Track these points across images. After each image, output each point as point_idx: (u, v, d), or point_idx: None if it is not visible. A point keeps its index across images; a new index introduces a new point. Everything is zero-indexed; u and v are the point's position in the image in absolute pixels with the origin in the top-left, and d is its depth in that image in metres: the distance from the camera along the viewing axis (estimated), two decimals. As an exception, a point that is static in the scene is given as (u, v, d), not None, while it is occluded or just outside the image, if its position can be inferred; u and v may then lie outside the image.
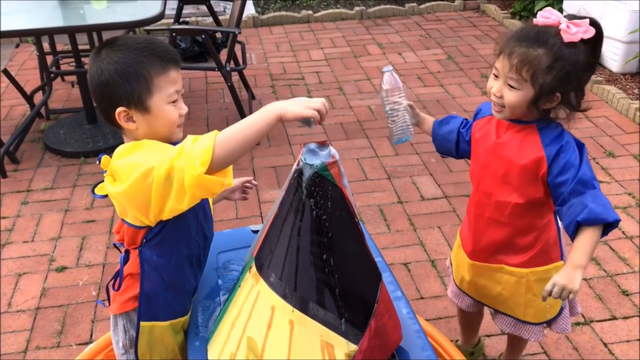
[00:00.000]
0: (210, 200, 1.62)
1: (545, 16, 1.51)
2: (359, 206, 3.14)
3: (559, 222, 1.69)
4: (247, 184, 1.85)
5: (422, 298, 2.55)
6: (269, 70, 4.80)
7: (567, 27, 1.46)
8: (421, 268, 2.72)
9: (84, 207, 3.18)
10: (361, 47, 5.20)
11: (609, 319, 2.43)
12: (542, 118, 1.57)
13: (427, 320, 2.35)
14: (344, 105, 4.21)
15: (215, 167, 1.25)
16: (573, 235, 1.50)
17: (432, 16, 5.92)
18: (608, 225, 1.48)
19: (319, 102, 1.31)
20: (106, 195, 1.42)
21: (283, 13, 5.89)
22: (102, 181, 1.42)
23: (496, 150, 1.63)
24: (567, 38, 1.46)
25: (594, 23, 1.49)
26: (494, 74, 1.58)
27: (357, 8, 5.95)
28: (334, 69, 4.79)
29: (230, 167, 1.31)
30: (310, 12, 5.91)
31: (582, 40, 1.46)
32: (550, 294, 1.46)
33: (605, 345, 2.31)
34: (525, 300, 1.74)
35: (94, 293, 2.62)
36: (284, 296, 1.29)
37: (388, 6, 6.00)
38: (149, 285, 1.48)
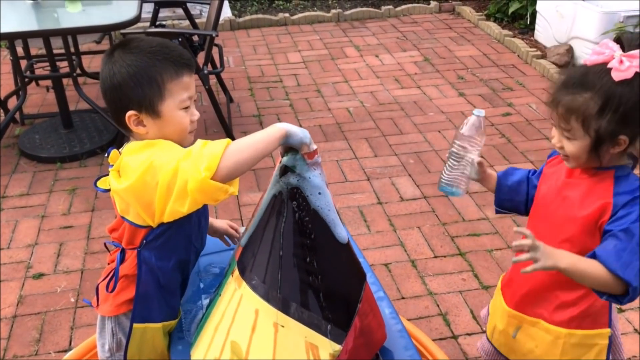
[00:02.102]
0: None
1: (599, 52, 1.35)
2: (339, 208, 3.15)
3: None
4: (232, 231, 1.78)
5: (403, 298, 2.57)
6: (247, 73, 4.79)
7: (620, 62, 1.30)
8: (401, 268, 2.73)
9: (60, 213, 3.14)
10: (338, 50, 5.22)
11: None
12: (623, 164, 1.40)
13: (408, 320, 2.37)
14: (322, 108, 4.22)
15: (222, 176, 1.23)
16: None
17: (408, 18, 5.96)
18: (623, 290, 1.32)
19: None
20: (109, 190, 1.40)
21: (260, 16, 5.89)
22: (106, 175, 1.40)
23: (562, 190, 1.46)
24: (617, 76, 1.29)
25: None
26: (552, 124, 1.44)
27: (333, 11, 5.97)
28: (311, 72, 4.80)
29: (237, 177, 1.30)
30: (287, 14, 5.92)
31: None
32: (519, 246, 1.31)
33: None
34: None
35: (72, 300, 2.58)
36: (268, 299, 1.29)
37: (364, 9, 6.03)
38: (144, 287, 1.47)
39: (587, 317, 1.50)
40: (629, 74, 1.29)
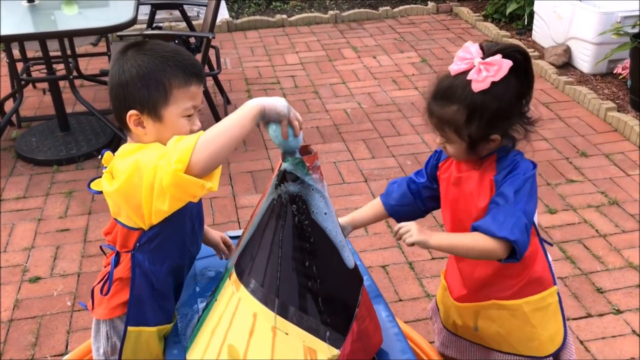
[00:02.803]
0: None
1: (462, 57, 1.42)
2: (336, 210, 3.14)
3: (545, 247, 1.65)
4: (223, 246, 1.77)
5: (400, 300, 2.56)
6: (244, 75, 4.78)
7: (478, 71, 1.38)
8: (399, 270, 2.73)
9: (57, 216, 3.13)
10: (336, 51, 5.22)
11: (585, 317, 2.46)
12: (503, 145, 1.50)
13: (406, 322, 2.36)
14: (320, 109, 4.21)
15: (199, 169, 1.21)
16: None
17: (406, 19, 5.96)
18: (509, 249, 1.42)
19: (297, 115, 1.30)
20: (102, 191, 1.40)
21: (257, 17, 5.88)
22: (99, 177, 1.40)
23: (459, 185, 1.56)
24: (476, 88, 1.38)
25: (513, 51, 1.40)
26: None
27: (331, 12, 5.97)
28: (309, 73, 4.79)
29: (217, 172, 1.27)
30: (284, 16, 5.91)
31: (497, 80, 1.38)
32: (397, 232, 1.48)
33: (581, 342, 2.34)
34: (526, 333, 1.62)
35: (69, 303, 2.57)
36: (266, 303, 1.29)
37: (362, 10, 6.02)
38: (138, 291, 1.46)
39: (533, 282, 1.60)
40: (486, 85, 1.38)
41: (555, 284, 1.64)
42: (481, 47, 1.41)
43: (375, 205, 1.75)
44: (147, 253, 1.43)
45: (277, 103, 1.27)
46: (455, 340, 1.80)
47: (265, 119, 1.27)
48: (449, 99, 1.42)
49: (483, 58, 1.39)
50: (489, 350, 1.71)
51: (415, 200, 1.69)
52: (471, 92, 1.39)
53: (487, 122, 1.41)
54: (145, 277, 1.45)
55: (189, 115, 1.39)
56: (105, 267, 1.54)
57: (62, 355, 2.31)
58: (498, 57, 1.38)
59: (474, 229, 1.43)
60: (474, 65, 1.39)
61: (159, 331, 1.52)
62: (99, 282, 1.53)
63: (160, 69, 1.35)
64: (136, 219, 1.38)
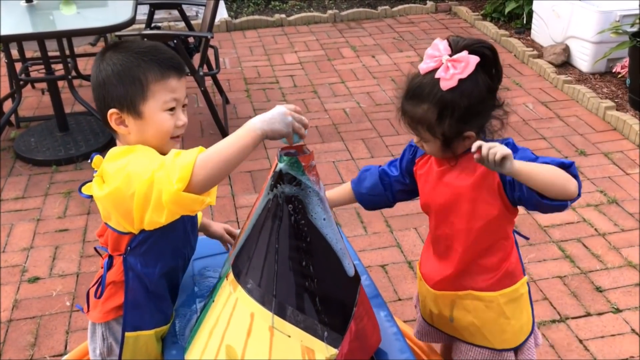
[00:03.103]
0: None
1: (430, 55, 1.43)
2: (335, 209, 3.14)
3: (516, 238, 1.67)
4: (227, 237, 1.77)
5: (399, 299, 2.56)
6: (243, 75, 4.78)
7: (446, 69, 1.38)
8: (398, 270, 2.73)
9: (56, 216, 3.13)
10: (335, 50, 5.21)
11: (584, 316, 2.46)
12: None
13: (405, 321, 2.36)
14: (319, 109, 4.21)
15: (197, 187, 1.22)
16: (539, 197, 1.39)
17: (405, 19, 5.96)
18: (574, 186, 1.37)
19: (300, 118, 1.31)
20: (92, 196, 1.40)
21: (256, 17, 5.88)
22: (90, 181, 1.40)
23: (441, 179, 1.55)
24: (445, 86, 1.39)
25: (479, 46, 1.40)
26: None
27: (330, 11, 5.96)
28: (308, 73, 4.79)
29: (215, 186, 1.28)
30: (283, 15, 5.91)
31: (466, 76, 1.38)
32: (480, 150, 1.31)
33: (580, 341, 2.34)
34: (499, 325, 1.63)
35: (68, 303, 2.57)
36: (263, 302, 1.28)
37: (361, 9, 6.02)
38: (133, 294, 1.46)
39: (509, 275, 1.61)
40: (453, 83, 1.38)
41: (524, 274, 1.66)
42: (449, 43, 1.42)
43: (345, 190, 1.79)
44: (139, 256, 1.43)
45: (277, 125, 1.27)
46: (429, 330, 1.82)
47: (273, 139, 1.29)
48: (419, 98, 1.43)
49: (451, 55, 1.40)
50: (461, 342, 1.72)
51: (386, 192, 1.71)
52: (440, 91, 1.39)
53: (458, 119, 1.41)
54: (139, 280, 1.45)
55: (171, 109, 1.38)
56: (101, 268, 1.54)
57: (61, 355, 2.31)
58: (464, 53, 1.39)
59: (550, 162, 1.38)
60: (442, 63, 1.39)
61: (156, 333, 1.52)
62: (93, 285, 1.53)
63: (135, 65, 1.34)
64: (125, 224, 1.38)
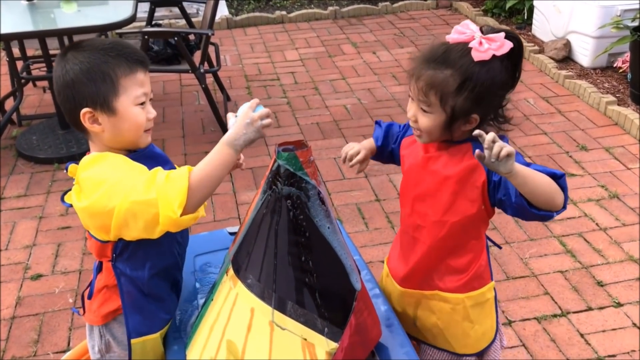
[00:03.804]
0: None
1: (460, 31, 1.39)
2: (337, 205, 3.15)
3: (488, 243, 1.62)
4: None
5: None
6: (244, 72, 4.78)
7: (479, 43, 1.35)
8: (400, 265, 2.73)
9: (58, 214, 3.14)
10: (336, 47, 5.21)
11: (585, 310, 2.46)
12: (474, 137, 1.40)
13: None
14: (320, 105, 4.21)
15: (191, 208, 1.29)
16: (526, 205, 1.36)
17: (406, 15, 5.95)
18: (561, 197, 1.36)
19: (263, 114, 1.35)
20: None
21: (257, 14, 5.88)
22: (70, 189, 1.40)
23: (425, 166, 1.51)
24: (477, 56, 1.34)
25: (512, 37, 1.37)
26: (410, 97, 1.47)
27: (330, 8, 5.96)
28: (309, 69, 4.79)
29: None
30: (284, 12, 5.91)
31: (498, 56, 1.35)
32: (491, 146, 1.25)
33: (581, 335, 2.35)
34: (463, 329, 1.59)
35: (70, 300, 2.58)
36: (263, 297, 1.29)
37: (362, 5, 6.01)
38: (130, 299, 1.45)
39: (477, 277, 1.56)
40: (487, 56, 1.34)
41: (492, 279, 1.62)
42: (481, 30, 1.40)
43: (370, 142, 1.74)
44: (126, 261, 1.43)
45: (250, 135, 1.35)
46: None
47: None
48: (445, 62, 1.37)
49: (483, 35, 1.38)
50: (423, 343, 1.68)
51: (396, 142, 1.68)
52: (469, 61, 1.35)
53: (475, 95, 1.36)
54: (132, 284, 1.45)
55: (142, 104, 1.38)
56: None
57: (64, 352, 2.32)
58: (501, 34, 1.36)
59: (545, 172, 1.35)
60: (474, 38, 1.36)
61: (161, 335, 1.52)
62: (87, 288, 1.53)
63: (103, 61, 1.33)
64: (101, 234, 1.38)
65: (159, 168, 1.32)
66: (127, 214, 1.27)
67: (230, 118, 1.38)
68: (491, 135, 1.25)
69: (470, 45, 1.35)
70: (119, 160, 1.35)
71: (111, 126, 1.37)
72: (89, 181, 1.32)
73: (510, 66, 1.39)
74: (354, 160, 1.68)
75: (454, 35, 1.39)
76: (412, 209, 1.56)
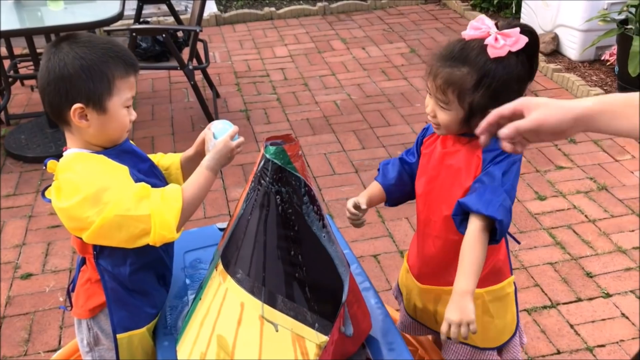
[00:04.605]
0: None
1: (476, 27, 1.40)
2: (327, 200, 3.15)
3: (507, 237, 1.63)
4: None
5: (391, 288, 2.57)
6: (233, 68, 4.77)
7: (495, 39, 1.36)
8: (390, 259, 2.74)
9: (48, 213, 3.13)
10: (325, 43, 5.21)
11: (575, 301, 2.48)
12: None
13: (397, 310, 2.37)
14: (309, 101, 4.21)
15: (179, 227, 1.39)
16: (457, 223, 1.44)
17: (394, 10, 5.96)
18: (494, 230, 1.39)
19: (239, 142, 1.49)
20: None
21: (246, 10, 5.86)
22: (50, 185, 1.40)
23: (443, 160, 1.53)
24: (493, 53, 1.36)
25: (527, 31, 1.39)
26: (428, 93, 1.49)
27: (319, 4, 5.96)
28: (298, 65, 4.79)
29: None
30: (273, 9, 5.90)
31: (513, 52, 1.37)
32: (450, 336, 1.33)
33: (571, 326, 2.37)
34: (483, 323, 1.58)
35: (61, 299, 2.57)
36: (253, 292, 1.29)
37: (350, 1, 6.01)
38: (115, 295, 1.46)
39: (496, 272, 1.58)
40: (503, 52, 1.36)
41: (512, 273, 1.64)
42: (496, 25, 1.41)
43: (374, 187, 1.72)
44: (107, 258, 1.44)
45: (224, 161, 1.48)
46: (413, 324, 1.79)
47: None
48: (462, 60, 1.39)
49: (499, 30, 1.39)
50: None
51: (411, 179, 1.67)
52: (485, 58, 1.37)
53: (492, 92, 1.38)
54: (115, 281, 1.45)
55: (128, 107, 1.42)
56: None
57: (55, 350, 2.32)
58: (516, 29, 1.37)
59: (459, 204, 1.41)
60: (490, 34, 1.38)
61: (148, 329, 1.52)
62: (71, 282, 1.54)
63: (103, 61, 1.35)
64: (78, 234, 1.39)
65: (147, 186, 1.36)
66: (111, 225, 1.30)
67: (211, 140, 1.49)
68: (445, 331, 1.33)
69: (485, 42, 1.37)
70: (101, 165, 1.36)
71: (99, 124, 1.38)
72: (69, 184, 1.33)
73: (525, 59, 1.40)
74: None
75: (470, 32, 1.41)
76: (426, 204, 1.58)
